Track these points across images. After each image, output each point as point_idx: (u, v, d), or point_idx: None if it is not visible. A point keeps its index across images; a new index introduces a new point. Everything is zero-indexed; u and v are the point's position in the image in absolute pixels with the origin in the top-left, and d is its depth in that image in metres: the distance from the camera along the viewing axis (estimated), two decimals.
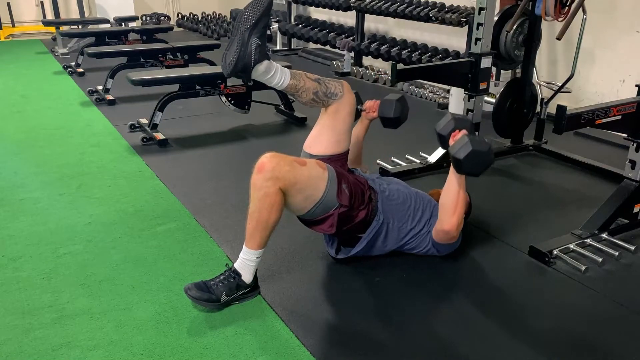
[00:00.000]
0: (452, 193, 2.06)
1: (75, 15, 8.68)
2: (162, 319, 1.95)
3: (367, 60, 6.24)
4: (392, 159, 3.37)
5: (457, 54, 4.94)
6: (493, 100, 3.80)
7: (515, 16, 3.23)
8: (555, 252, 2.32)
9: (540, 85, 4.14)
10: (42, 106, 4.72)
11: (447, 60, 4.78)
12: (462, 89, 3.39)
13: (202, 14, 9.26)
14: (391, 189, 2.25)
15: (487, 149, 1.97)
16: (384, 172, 3.20)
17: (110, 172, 3.29)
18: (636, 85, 2.53)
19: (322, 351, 1.79)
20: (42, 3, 8.35)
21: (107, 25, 7.39)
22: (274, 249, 2.34)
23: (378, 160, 3.31)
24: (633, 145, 2.50)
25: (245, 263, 2.01)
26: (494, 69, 3.84)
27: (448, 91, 4.86)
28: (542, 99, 3.68)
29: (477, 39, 3.16)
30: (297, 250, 2.39)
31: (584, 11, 3.17)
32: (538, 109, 3.68)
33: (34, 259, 2.34)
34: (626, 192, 2.52)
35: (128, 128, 4.01)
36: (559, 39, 3.01)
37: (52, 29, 7.68)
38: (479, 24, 3.14)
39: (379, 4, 5.47)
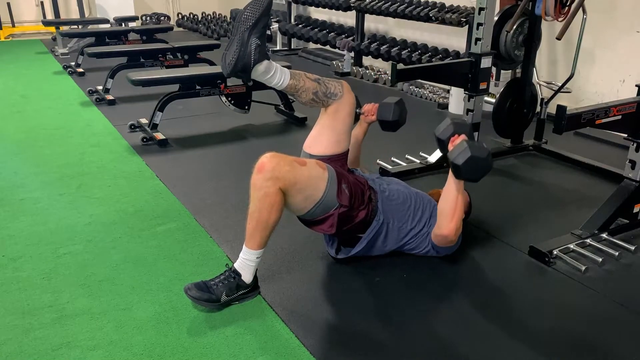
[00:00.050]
0: (450, 198, 2.06)
1: (75, 15, 8.68)
2: (162, 319, 1.95)
3: (367, 60, 6.24)
4: (392, 159, 3.37)
5: (457, 54, 4.94)
6: (493, 100, 3.80)
7: (515, 16, 3.23)
8: (555, 252, 2.32)
9: (540, 85, 4.14)
10: (42, 106, 4.72)
11: (447, 60, 4.78)
12: (462, 89, 3.39)
13: (202, 14, 9.26)
14: (391, 189, 2.25)
15: (485, 154, 1.98)
16: (384, 172, 3.20)
17: (110, 172, 3.29)
18: (636, 85, 2.53)
19: (322, 351, 1.79)
20: (42, 3, 8.35)
21: (107, 25, 7.39)
22: (274, 249, 2.34)
23: (378, 160, 3.31)
24: (633, 145, 2.50)
25: (245, 263, 2.01)
26: (494, 69, 3.84)
27: (448, 91, 4.86)
28: (542, 99, 3.68)
29: (477, 39, 3.16)
30: (297, 250, 2.39)
31: (584, 11, 3.17)
32: (538, 109, 3.68)
33: (34, 259, 2.34)
34: (626, 192, 2.52)
35: (128, 128, 4.01)
36: (559, 39, 3.01)
37: (52, 29, 7.68)
38: (479, 24, 3.14)
39: (379, 4, 5.47)
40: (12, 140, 3.86)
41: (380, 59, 5.65)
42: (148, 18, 8.97)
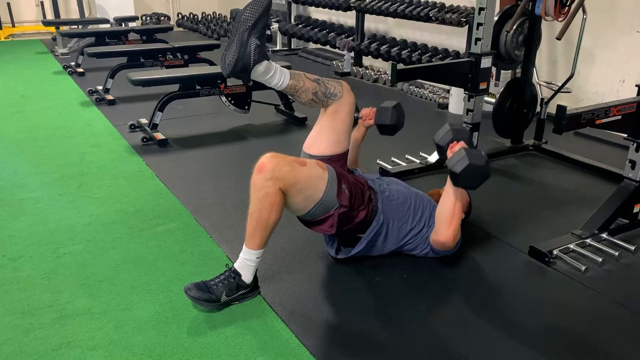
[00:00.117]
0: (448, 204, 2.06)
1: (75, 15, 8.68)
2: (162, 319, 1.95)
3: (367, 60, 6.24)
4: (392, 159, 3.37)
5: (457, 54, 4.94)
6: (493, 100, 3.80)
7: (515, 16, 3.23)
8: (555, 252, 2.32)
9: (540, 85, 4.14)
10: (42, 106, 4.72)
11: (447, 60, 4.78)
12: (462, 89, 3.39)
13: (202, 14, 9.26)
14: (391, 189, 2.25)
15: (484, 163, 1.98)
16: (384, 172, 3.20)
17: (110, 172, 3.29)
18: (636, 85, 2.53)
19: (322, 351, 1.79)
20: (42, 3, 8.35)
21: (107, 25, 7.39)
22: (274, 249, 2.34)
23: (378, 160, 3.31)
24: (633, 145, 2.50)
25: (245, 263, 2.01)
26: (494, 69, 3.84)
27: (448, 91, 4.86)
28: (542, 99, 3.68)
29: (477, 39, 3.16)
30: (297, 250, 2.39)
31: (584, 11, 3.17)
32: (538, 109, 3.68)
33: (34, 259, 2.34)
34: (626, 192, 2.52)
35: (128, 128, 4.01)
36: (559, 39, 3.01)
37: (52, 29, 7.69)
38: (479, 24, 3.14)
39: (379, 4, 5.47)
40: (12, 140, 3.86)
41: (380, 59, 5.65)
42: (148, 18, 8.98)
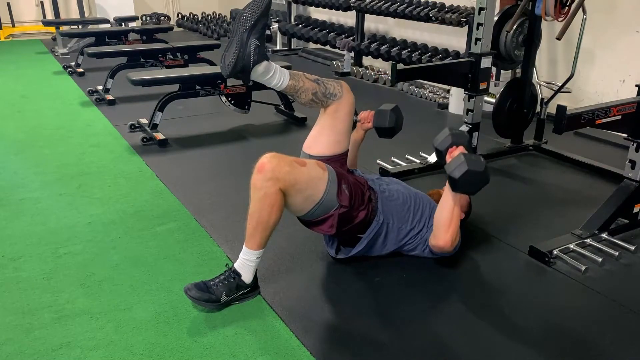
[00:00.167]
0: (447, 209, 2.06)
1: (75, 15, 8.68)
2: (162, 319, 1.95)
3: (367, 60, 6.24)
4: (392, 159, 3.37)
5: (457, 54, 4.94)
6: (493, 100, 3.80)
7: (515, 16, 3.24)
8: (555, 252, 2.32)
9: (540, 85, 4.14)
10: (42, 106, 4.72)
11: (447, 60, 4.78)
12: (462, 89, 3.39)
13: (202, 14, 9.26)
14: (391, 189, 2.25)
15: (482, 169, 1.98)
16: (384, 172, 3.20)
17: (110, 172, 3.29)
18: (636, 85, 2.53)
19: (322, 351, 1.79)
20: (42, 3, 8.35)
21: (107, 25, 7.39)
22: (274, 249, 2.34)
23: (378, 160, 3.31)
24: (633, 145, 2.49)
25: (245, 263, 2.01)
26: (494, 69, 3.84)
27: (448, 91, 4.86)
28: (542, 99, 3.69)
29: (477, 39, 3.16)
30: (297, 250, 2.39)
31: (584, 11, 3.18)
32: (538, 109, 3.68)
33: (34, 259, 2.34)
34: (626, 192, 2.52)
35: (128, 128, 4.01)
36: (559, 39, 3.01)
37: (52, 29, 7.69)
38: (479, 24, 3.14)
39: (379, 4, 5.47)
40: (12, 140, 3.86)
41: (380, 59, 5.65)
42: (148, 18, 8.98)
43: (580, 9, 3.09)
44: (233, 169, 3.38)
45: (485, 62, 3.20)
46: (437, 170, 3.29)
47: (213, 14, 9.22)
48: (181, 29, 9.19)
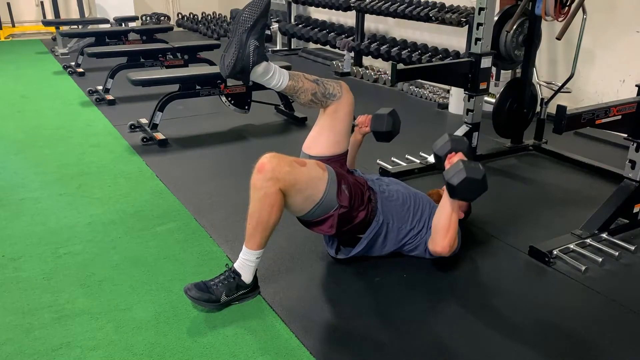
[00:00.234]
0: (445, 215, 2.07)
1: (75, 15, 8.68)
2: (162, 319, 1.95)
3: (367, 60, 6.24)
4: (392, 159, 3.37)
5: (457, 54, 4.94)
6: (493, 100, 3.80)
7: (515, 16, 3.24)
8: (555, 252, 2.32)
9: (540, 85, 4.14)
10: (42, 106, 4.72)
11: (447, 60, 4.78)
12: (462, 89, 3.39)
13: (202, 14, 9.27)
14: (390, 189, 2.25)
15: (481, 176, 1.98)
16: (384, 172, 3.20)
17: (110, 172, 3.29)
18: (636, 85, 2.53)
19: (322, 351, 1.79)
20: (42, 3, 8.35)
21: (107, 25, 7.39)
22: (273, 249, 2.34)
23: (378, 160, 3.31)
24: (633, 145, 2.50)
25: (245, 263, 2.01)
26: (494, 69, 3.84)
27: (448, 91, 4.86)
28: (542, 99, 3.69)
29: (477, 39, 3.16)
30: (297, 250, 2.39)
31: (584, 11, 3.18)
32: (538, 109, 3.68)
33: (34, 259, 2.34)
34: (626, 192, 2.52)
35: (128, 128, 4.01)
36: (559, 39, 3.01)
37: (52, 29, 7.69)
38: (479, 24, 3.14)
39: (379, 4, 5.47)
40: (12, 140, 3.86)
41: (380, 59, 5.65)
42: (148, 18, 8.98)
43: (580, 9, 3.09)
44: (233, 169, 3.38)
45: (485, 62, 3.20)
46: (437, 170, 3.27)
47: (213, 14, 9.22)
48: (181, 29, 9.19)
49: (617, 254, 2.33)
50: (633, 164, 2.51)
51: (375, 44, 5.64)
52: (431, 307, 2.05)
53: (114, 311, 1.99)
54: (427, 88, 5.19)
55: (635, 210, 2.56)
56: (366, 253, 2.24)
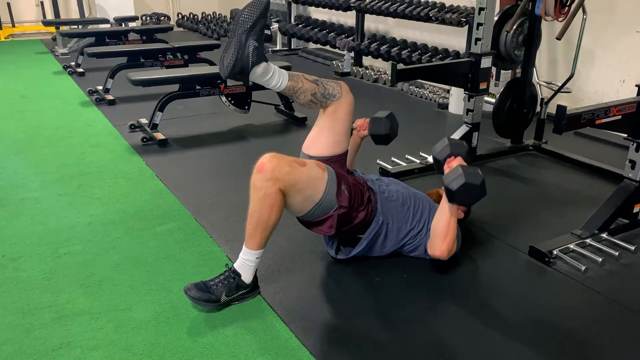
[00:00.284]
0: (444, 219, 2.07)
1: (75, 15, 8.68)
2: (162, 319, 1.95)
3: (367, 60, 6.24)
4: (392, 159, 3.37)
5: (457, 54, 4.94)
6: (493, 100, 3.80)
7: (515, 16, 3.24)
8: (555, 252, 2.32)
9: (540, 85, 4.14)
10: (42, 106, 4.72)
11: (447, 60, 4.78)
12: (462, 89, 3.39)
13: (202, 14, 9.26)
14: (390, 189, 2.25)
15: (480, 182, 1.99)
16: (384, 172, 3.20)
17: (110, 172, 3.29)
18: (636, 85, 2.53)
19: (322, 351, 1.79)
20: (42, 3, 8.35)
21: (107, 25, 7.39)
22: (273, 249, 2.34)
23: (378, 160, 3.31)
24: (633, 145, 2.50)
25: (245, 263, 2.01)
26: (494, 69, 3.84)
27: (448, 91, 4.86)
28: (542, 99, 3.69)
29: (477, 39, 3.16)
30: (297, 250, 2.39)
31: (584, 11, 3.18)
32: (538, 109, 3.68)
33: (34, 259, 2.34)
34: (626, 192, 2.52)
35: (128, 128, 4.01)
36: (559, 39, 3.01)
37: (52, 29, 7.69)
38: (479, 24, 3.14)
39: (379, 4, 5.47)
40: (12, 140, 3.86)
41: (380, 59, 5.65)
42: (148, 18, 8.98)
43: (580, 9, 3.08)
44: (233, 169, 3.38)
45: (485, 62, 3.20)
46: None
47: (213, 14, 9.22)
48: (181, 29, 9.19)
49: (617, 254, 2.33)
50: (633, 164, 2.51)
51: (375, 44, 5.64)
52: (431, 307, 2.05)
53: (114, 311, 1.99)
54: (427, 88, 5.19)
55: (635, 210, 2.56)
56: (366, 253, 2.24)
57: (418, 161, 3.37)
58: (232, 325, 1.91)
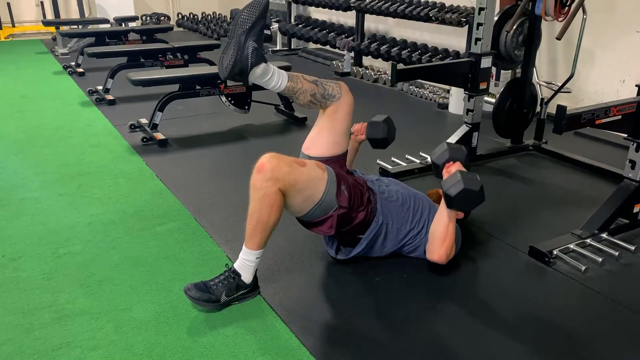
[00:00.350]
0: (442, 224, 2.07)
1: (75, 15, 8.68)
2: (162, 319, 1.95)
3: (367, 60, 6.24)
4: (392, 159, 3.37)
5: (457, 54, 4.94)
6: (493, 100, 3.80)
7: (515, 16, 3.24)
8: (555, 252, 2.32)
9: (540, 85, 4.14)
10: (42, 106, 4.72)
11: (447, 60, 4.78)
12: (462, 89, 3.39)
13: (202, 14, 9.27)
14: (390, 190, 2.25)
15: (478, 188, 2.00)
16: (384, 172, 3.20)
17: (110, 172, 3.29)
18: (636, 85, 2.53)
19: (322, 351, 1.79)
20: (42, 3, 8.35)
21: (107, 25, 7.39)
22: (273, 249, 2.34)
23: (378, 160, 3.31)
24: (633, 145, 2.50)
25: (245, 263, 2.01)
26: (494, 69, 3.84)
27: (448, 91, 4.86)
28: (542, 99, 3.69)
29: (477, 39, 3.16)
30: (297, 250, 2.39)
31: (584, 11, 3.18)
32: (538, 109, 3.68)
33: (34, 259, 2.34)
34: (626, 192, 2.52)
35: (128, 128, 4.01)
36: (559, 39, 3.01)
37: (52, 29, 7.69)
38: (479, 24, 3.14)
39: (379, 4, 5.47)
40: (12, 140, 3.86)
41: (380, 59, 5.65)
42: (148, 18, 8.98)
43: (580, 9, 3.08)
44: (233, 169, 3.38)
45: (485, 62, 3.20)
46: None
47: (213, 14, 9.22)
48: (181, 29, 9.19)
49: (617, 254, 2.33)
50: (633, 164, 2.51)
51: (375, 44, 5.64)
52: (431, 307, 2.05)
53: (114, 311, 1.99)
54: (427, 88, 5.19)
55: (635, 210, 2.56)
56: (366, 253, 2.24)
57: (418, 161, 3.37)
58: (232, 325, 1.91)
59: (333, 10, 6.36)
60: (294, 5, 7.31)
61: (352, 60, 6.06)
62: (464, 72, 3.22)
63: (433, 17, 4.88)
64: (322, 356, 1.77)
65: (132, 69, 4.88)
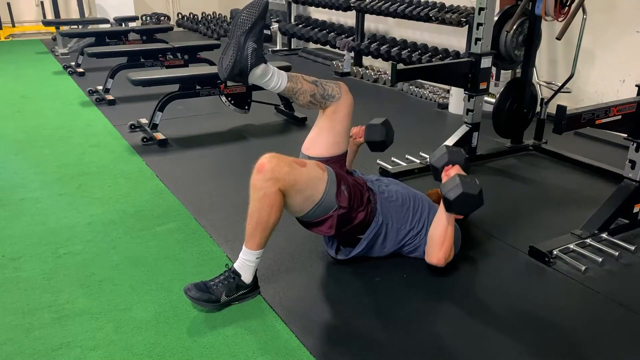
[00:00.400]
0: (440, 227, 2.08)
1: (75, 15, 8.68)
2: (162, 319, 1.95)
3: (367, 60, 6.24)
4: (392, 159, 3.37)
5: (457, 54, 4.94)
6: (493, 100, 3.80)
7: (515, 16, 3.24)
8: (555, 252, 2.32)
9: (540, 85, 4.14)
10: (42, 106, 4.72)
11: (447, 60, 4.78)
12: (462, 89, 3.39)
13: (202, 14, 9.27)
14: (390, 190, 2.25)
15: (477, 192, 2.00)
16: (384, 172, 3.20)
17: (110, 172, 3.29)
18: (636, 85, 2.53)
19: (322, 351, 1.79)
20: (42, 3, 8.35)
21: (107, 25, 7.39)
22: (274, 249, 2.34)
23: (378, 160, 3.31)
24: (633, 145, 2.50)
25: (245, 263, 2.01)
26: (494, 69, 3.84)
27: (448, 91, 4.86)
28: (542, 99, 3.69)
29: (477, 39, 3.16)
30: (297, 250, 2.39)
31: (584, 11, 3.18)
32: (538, 109, 3.68)
33: (34, 259, 2.34)
34: (626, 192, 2.52)
35: (128, 128, 4.01)
36: (559, 39, 3.01)
37: (52, 29, 7.69)
38: (479, 24, 3.14)
39: (379, 4, 5.47)
40: (12, 140, 3.86)
41: (380, 59, 5.65)
42: (148, 18, 8.98)
43: (580, 9, 3.09)
44: (233, 169, 3.38)
45: (485, 62, 3.20)
46: None
47: (213, 14, 9.22)
48: (181, 29, 9.19)
49: (617, 254, 2.33)
50: (633, 164, 2.51)
51: (375, 44, 5.64)
52: (431, 307, 2.05)
53: (114, 311, 1.99)
54: (427, 88, 5.19)
55: (635, 210, 2.56)
56: (366, 254, 2.24)
57: (418, 161, 3.37)
58: (232, 325, 1.91)
59: (333, 10, 6.36)
60: (294, 5, 7.31)
61: (352, 60, 6.06)
62: (464, 72, 3.22)
63: (433, 17, 4.88)
64: (322, 356, 1.77)
65: (132, 69, 4.88)
